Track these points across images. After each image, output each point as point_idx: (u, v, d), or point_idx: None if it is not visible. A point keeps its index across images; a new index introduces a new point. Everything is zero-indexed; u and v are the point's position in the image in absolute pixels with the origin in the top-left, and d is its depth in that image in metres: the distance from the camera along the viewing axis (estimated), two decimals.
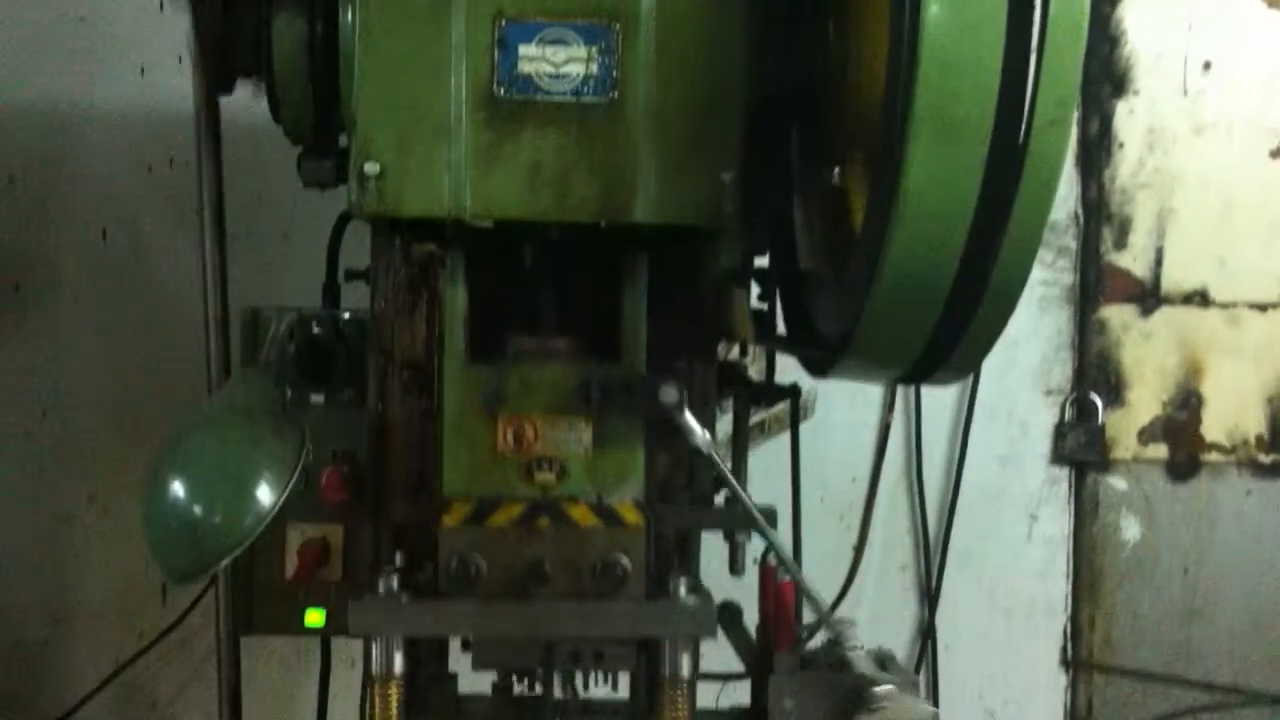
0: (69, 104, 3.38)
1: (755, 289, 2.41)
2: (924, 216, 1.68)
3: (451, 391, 2.09)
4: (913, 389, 3.70)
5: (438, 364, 2.16)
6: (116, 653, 3.46)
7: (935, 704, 3.67)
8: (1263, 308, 3.78)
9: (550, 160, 1.95)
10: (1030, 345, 3.76)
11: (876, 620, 3.69)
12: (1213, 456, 3.81)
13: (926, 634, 3.77)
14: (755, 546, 2.28)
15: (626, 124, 1.94)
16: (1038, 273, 3.51)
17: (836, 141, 2.08)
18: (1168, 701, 3.76)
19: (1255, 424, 3.80)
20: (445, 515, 2.06)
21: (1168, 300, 3.77)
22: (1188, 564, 3.82)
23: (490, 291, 2.13)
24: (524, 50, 1.92)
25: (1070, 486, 3.82)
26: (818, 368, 2.19)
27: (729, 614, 2.38)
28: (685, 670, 2.08)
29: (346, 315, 2.39)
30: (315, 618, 2.36)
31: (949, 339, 1.84)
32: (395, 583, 2.04)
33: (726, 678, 2.47)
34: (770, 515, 2.19)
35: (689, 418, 2.00)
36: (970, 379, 3.67)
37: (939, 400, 3.72)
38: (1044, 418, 3.80)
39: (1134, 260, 3.77)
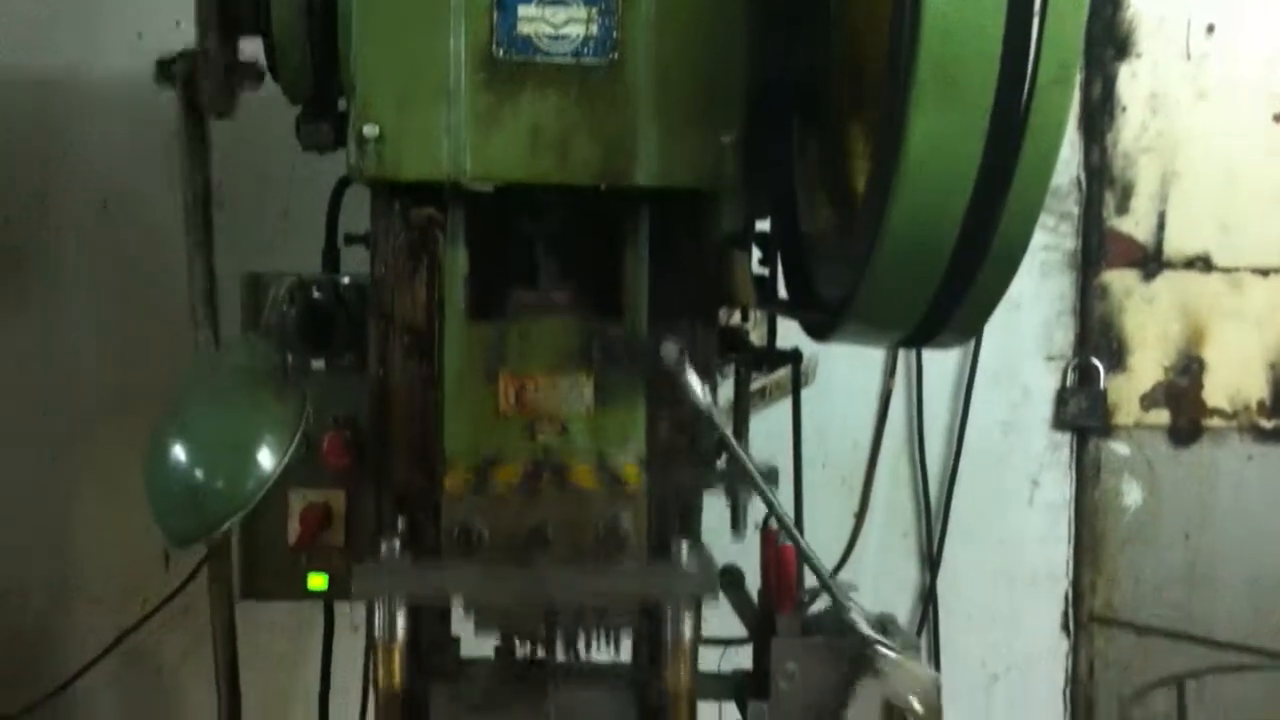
0: (65, 71, 3.37)
1: (756, 253, 2.40)
2: (926, 180, 1.67)
3: (452, 350, 2.08)
4: (914, 354, 3.69)
5: (438, 327, 2.15)
6: (120, 620, 3.47)
7: (937, 669, 3.68)
8: (1265, 272, 3.78)
9: (550, 123, 1.94)
10: (1032, 310, 3.75)
11: (878, 586, 3.69)
12: (1214, 422, 3.81)
13: (928, 599, 3.78)
14: (757, 511, 2.28)
15: (627, 86, 1.93)
16: (1039, 237, 3.50)
17: (838, 103, 2.07)
18: (1170, 666, 3.77)
19: (1257, 389, 3.80)
20: (446, 478, 2.06)
21: (1170, 265, 3.76)
22: (1189, 529, 3.82)
23: (491, 251, 2.12)
24: (523, 11, 1.91)
25: (1072, 452, 3.82)
26: (819, 332, 2.19)
27: (730, 577, 2.38)
28: (687, 633, 2.08)
29: (346, 280, 2.39)
30: (318, 582, 2.37)
31: (950, 303, 1.84)
32: (398, 546, 2.05)
33: (728, 642, 2.48)
34: (771, 474, 2.18)
35: (690, 376, 2.00)
36: (972, 344, 3.67)
37: (940, 366, 3.72)
38: (1046, 383, 3.80)
39: (1136, 225, 3.76)
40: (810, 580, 2.21)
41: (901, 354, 3.70)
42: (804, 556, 2.13)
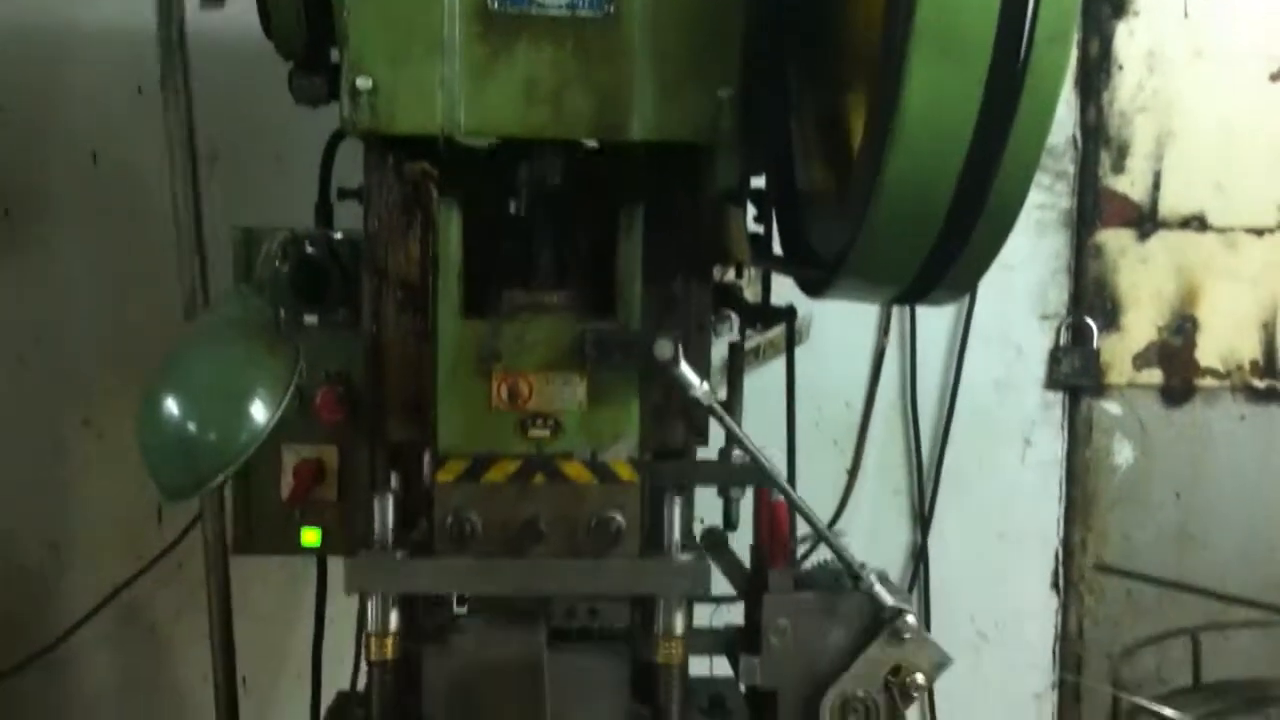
0: (56, 23, 3.34)
1: (751, 210, 2.39)
2: (923, 135, 1.67)
3: (446, 347, 2.05)
4: (908, 313, 3.69)
5: (431, 287, 2.14)
6: (114, 576, 3.48)
7: (928, 627, 3.70)
8: (1260, 232, 3.77)
9: (545, 76, 1.92)
10: (1026, 269, 3.75)
11: (870, 544, 3.70)
12: (1207, 381, 3.81)
13: (919, 557, 3.80)
14: (749, 502, 2.29)
15: (623, 39, 1.91)
16: (1035, 196, 3.49)
17: (835, 60, 2.06)
18: (1159, 624, 3.79)
19: (1250, 349, 3.81)
20: (440, 472, 2.05)
21: (1165, 224, 3.76)
22: (1180, 488, 3.83)
23: (486, 244, 2.10)
24: None
25: (1064, 411, 3.83)
26: (814, 288, 2.18)
27: (713, 539, 2.38)
28: (678, 626, 2.10)
29: (339, 235, 2.38)
30: (311, 537, 2.38)
31: (946, 258, 1.84)
32: (391, 505, 2.05)
33: (720, 600, 2.48)
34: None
35: (686, 370, 2.00)
36: (966, 302, 3.67)
37: (934, 324, 3.72)
38: (1039, 342, 3.80)
39: (1132, 184, 3.75)
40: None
41: (895, 312, 3.69)
42: (798, 509, 2.14)
